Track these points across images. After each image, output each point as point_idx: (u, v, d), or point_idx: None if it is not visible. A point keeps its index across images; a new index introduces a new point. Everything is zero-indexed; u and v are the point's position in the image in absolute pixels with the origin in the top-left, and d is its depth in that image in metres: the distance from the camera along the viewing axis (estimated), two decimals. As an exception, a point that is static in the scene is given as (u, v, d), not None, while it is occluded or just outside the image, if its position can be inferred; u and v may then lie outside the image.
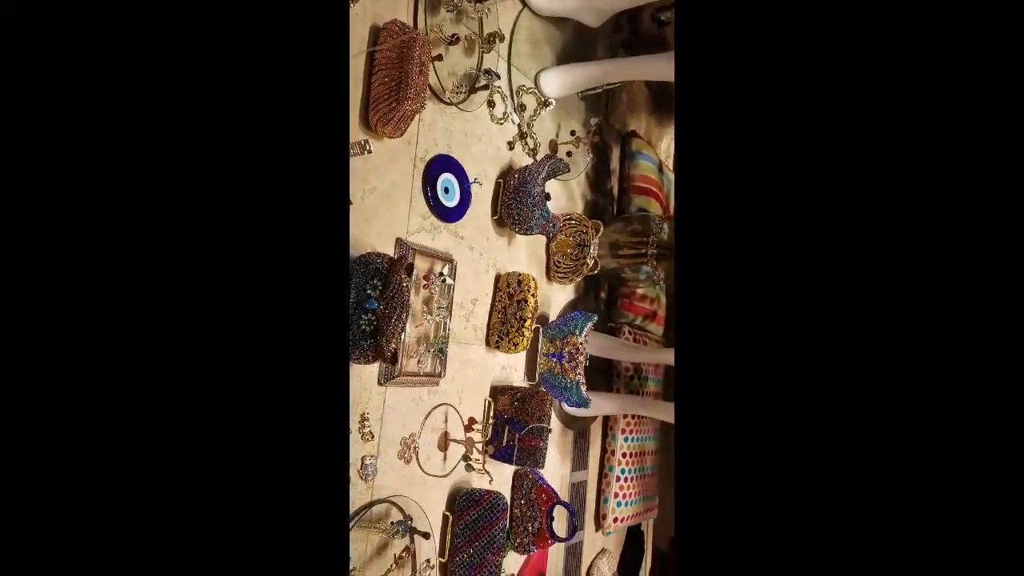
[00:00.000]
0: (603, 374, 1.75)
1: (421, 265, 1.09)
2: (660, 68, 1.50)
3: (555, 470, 1.58)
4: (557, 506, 1.29)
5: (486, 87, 1.24)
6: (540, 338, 1.45)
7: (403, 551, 1.01)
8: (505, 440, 1.27)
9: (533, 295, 1.29)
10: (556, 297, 1.61)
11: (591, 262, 1.46)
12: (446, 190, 1.17)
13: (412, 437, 1.10)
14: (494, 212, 1.32)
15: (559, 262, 1.52)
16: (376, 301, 0.87)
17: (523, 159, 1.43)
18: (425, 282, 1.07)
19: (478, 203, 1.27)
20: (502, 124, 1.36)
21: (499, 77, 1.26)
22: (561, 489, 1.61)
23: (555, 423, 1.57)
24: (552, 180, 1.40)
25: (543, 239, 1.54)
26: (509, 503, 1.27)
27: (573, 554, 1.68)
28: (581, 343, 1.39)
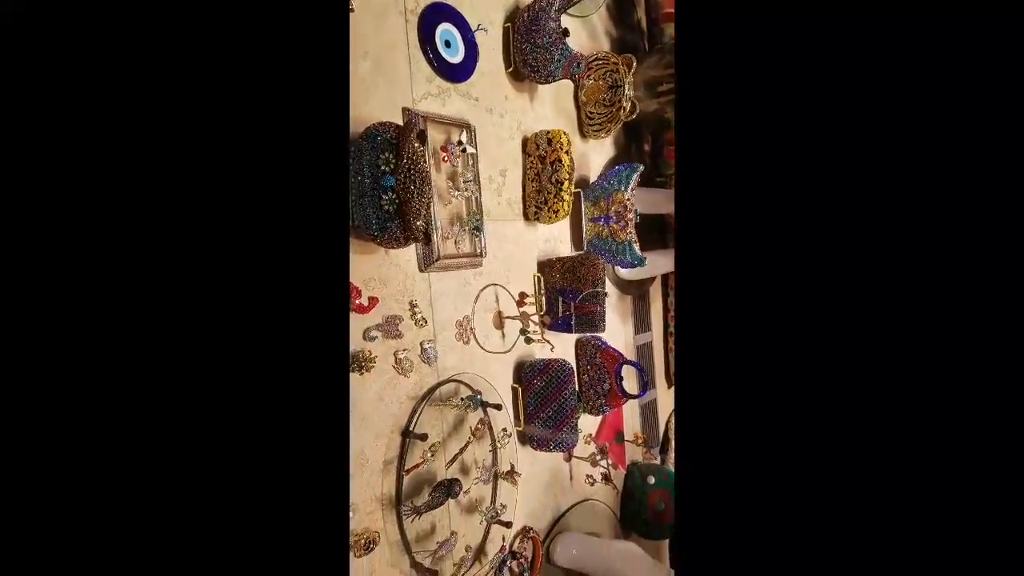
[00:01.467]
0: (656, 231, 1.64)
1: (436, 136, 0.99)
2: None
3: (618, 334, 1.55)
4: (625, 366, 1.28)
5: (469, -97, 1.02)
6: (582, 203, 1.34)
7: (479, 423, 1.04)
8: (560, 311, 1.23)
9: (567, 152, 1.16)
10: (594, 157, 1.47)
11: (628, 105, 1.29)
12: (447, 44, 1.02)
13: (466, 319, 1.08)
14: (508, 64, 1.16)
15: (592, 113, 1.35)
16: (392, 176, 0.79)
17: (530, -6, 1.22)
18: (444, 154, 0.97)
19: (487, 55, 1.11)
20: (498, -47, 1.14)
21: None
22: (626, 352, 1.59)
23: (611, 288, 1.52)
24: (568, 14, 1.19)
25: (570, 91, 1.36)
26: (575, 369, 1.26)
27: (649, 412, 1.71)
28: (628, 199, 1.27)
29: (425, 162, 0.81)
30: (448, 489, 0.93)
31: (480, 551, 1.05)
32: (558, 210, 1.18)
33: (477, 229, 1.04)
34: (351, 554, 0.84)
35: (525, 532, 1.18)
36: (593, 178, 1.42)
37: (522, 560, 1.13)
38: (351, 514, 0.84)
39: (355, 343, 0.87)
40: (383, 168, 0.80)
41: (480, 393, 1.03)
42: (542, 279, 1.24)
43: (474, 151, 1.03)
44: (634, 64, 1.27)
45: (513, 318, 1.16)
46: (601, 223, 1.31)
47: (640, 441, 1.45)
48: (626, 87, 1.28)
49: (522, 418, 1.18)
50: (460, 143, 0.99)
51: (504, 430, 1.09)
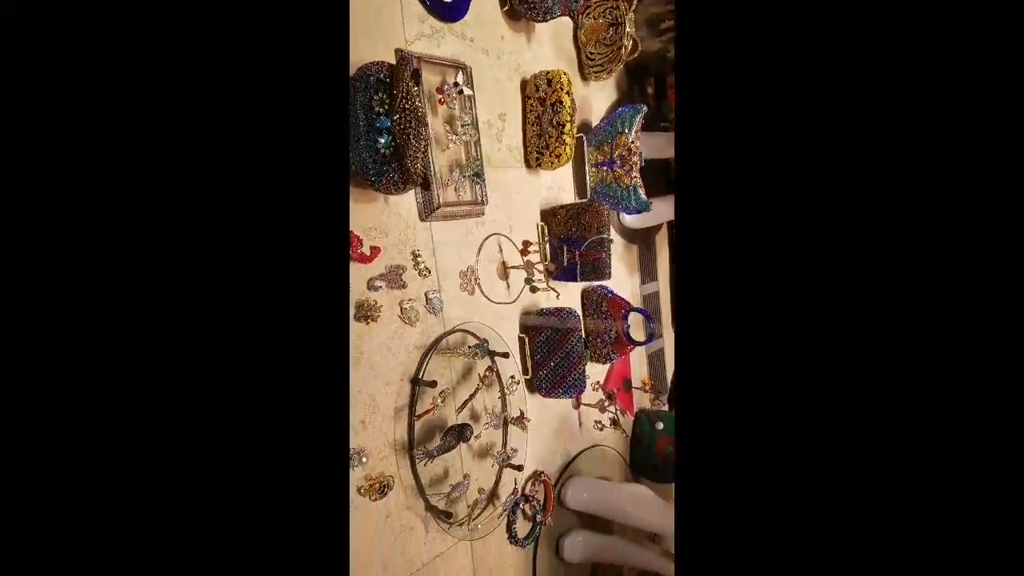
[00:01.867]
0: (661, 174, 1.60)
1: (431, 78, 0.95)
2: None
3: (624, 284, 1.54)
4: (632, 313, 1.27)
5: None
6: (585, 149, 1.31)
7: (487, 371, 1.05)
8: (566, 260, 1.22)
9: (568, 93, 1.12)
10: (596, 101, 1.42)
11: (629, 43, 1.23)
12: (438, -20, 0.96)
13: (470, 269, 1.07)
14: (503, 2, 1.10)
15: (592, 54, 1.30)
16: (387, 118, 0.77)
17: (524, -77, 1.15)
18: (440, 96, 0.94)
19: (481, -8, 1.05)
20: None
21: None
22: (633, 302, 1.59)
23: (617, 238, 1.50)
24: (565, -57, 1.12)
25: (569, 31, 1.30)
26: (582, 318, 1.26)
27: (656, 361, 1.72)
28: (632, 142, 1.24)
29: (421, 102, 0.79)
30: (459, 433, 0.94)
31: (493, 494, 1.08)
32: (560, 154, 1.15)
33: (477, 175, 1.02)
34: (367, 498, 0.86)
35: (536, 476, 1.20)
36: (596, 123, 1.38)
37: (534, 503, 1.16)
38: (364, 459, 0.86)
39: (359, 293, 0.87)
40: (377, 109, 0.77)
41: (487, 341, 1.03)
42: (546, 228, 1.22)
43: (471, 93, 0.99)
44: (635, 1, 1.21)
45: (517, 267, 1.15)
46: (605, 168, 1.28)
47: (648, 388, 1.46)
48: (627, 25, 1.22)
49: (529, 367, 1.19)
50: (456, 85, 0.96)
51: (512, 377, 1.10)
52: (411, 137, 0.77)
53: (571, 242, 1.21)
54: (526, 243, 1.14)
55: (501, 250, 1.15)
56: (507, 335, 1.14)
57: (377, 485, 0.87)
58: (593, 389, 1.33)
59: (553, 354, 1.17)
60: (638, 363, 1.62)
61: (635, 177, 1.24)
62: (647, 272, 1.64)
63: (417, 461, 0.91)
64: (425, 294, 0.98)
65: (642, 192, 1.25)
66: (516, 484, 1.11)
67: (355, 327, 0.86)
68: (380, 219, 0.90)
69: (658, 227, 1.65)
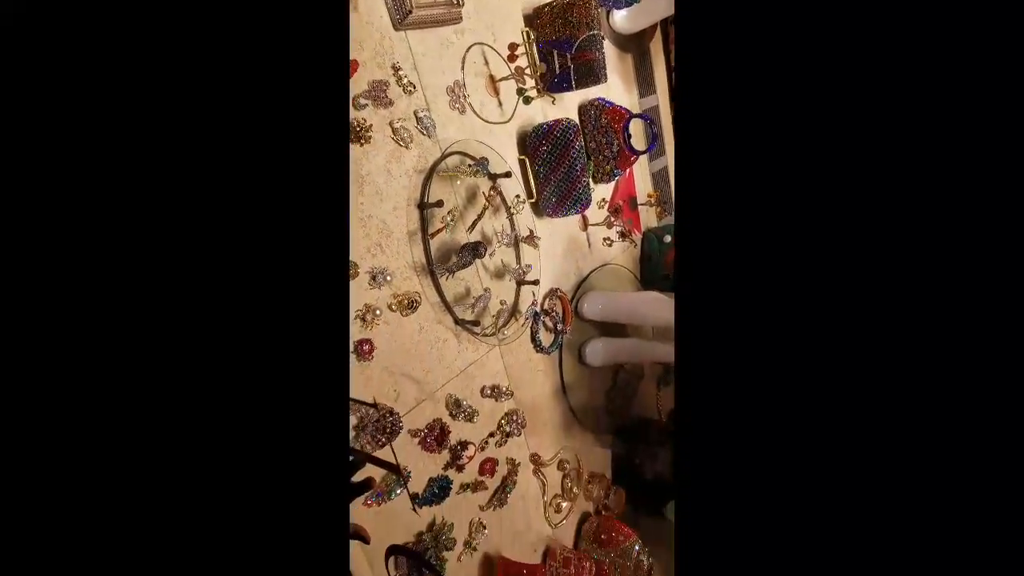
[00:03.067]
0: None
1: None
2: None
3: (622, 99, 1.47)
4: (632, 121, 1.22)
5: None
6: (564, -66, 1.14)
7: (491, 190, 1.04)
8: (558, 66, 1.14)
9: None
10: None
11: None
12: None
13: (456, 84, 1.01)
14: None
15: None
16: None
17: None
18: None
19: None
20: None
21: None
22: (632, 119, 1.52)
23: (609, 47, 1.38)
24: None
25: None
26: (582, 133, 1.22)
27: (660, 179, 1.70)
28: (616, -87, 1.08)
29: None
30: (474, 249, 0.97)
31: (515, 308, 1.15)
32: (536, -65, 1.01)
33: (447, -33, 0.91)
34: (399, 314, 0.92)
35: (553, 292, 1.27)
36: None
37: (554, 315, 1.24)
38: (388, 278, 0.89)
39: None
40: None
41: (487, 159, 1.01)
42: (531, 34, 1.13)
43: None
44: None
45: (506, 78, 1.08)
46: (588, -46, 1.13)
47: (654, 200, 1.46)
48: None
49: (534, 189, 1.18)
50: None
51: (517, 196, 1.10)
52: (363, -95, 0.67)
53: (560, 45, 1.12)
54: (512, 46, 1.06)
55: (487, 62, 1.07)
56: (507, 156, 1.11)
57: (406, 301, 0.92)
58: (599, 207, 1.34)
59: (556, 170, 1.15)
60: (642, 181, 1.61)
61: (623, -42, 1.10)
62: (644, 84, 1.54)
63: (439, 276, 0.95)
64: (415, 113, 0.94)
65: (632, -24, 1.13)
66: (535, 296, 1.17)
67: (350, 149, 0.84)
68: (353, 30, 0.83)
69: (652, 30, 1.51)
